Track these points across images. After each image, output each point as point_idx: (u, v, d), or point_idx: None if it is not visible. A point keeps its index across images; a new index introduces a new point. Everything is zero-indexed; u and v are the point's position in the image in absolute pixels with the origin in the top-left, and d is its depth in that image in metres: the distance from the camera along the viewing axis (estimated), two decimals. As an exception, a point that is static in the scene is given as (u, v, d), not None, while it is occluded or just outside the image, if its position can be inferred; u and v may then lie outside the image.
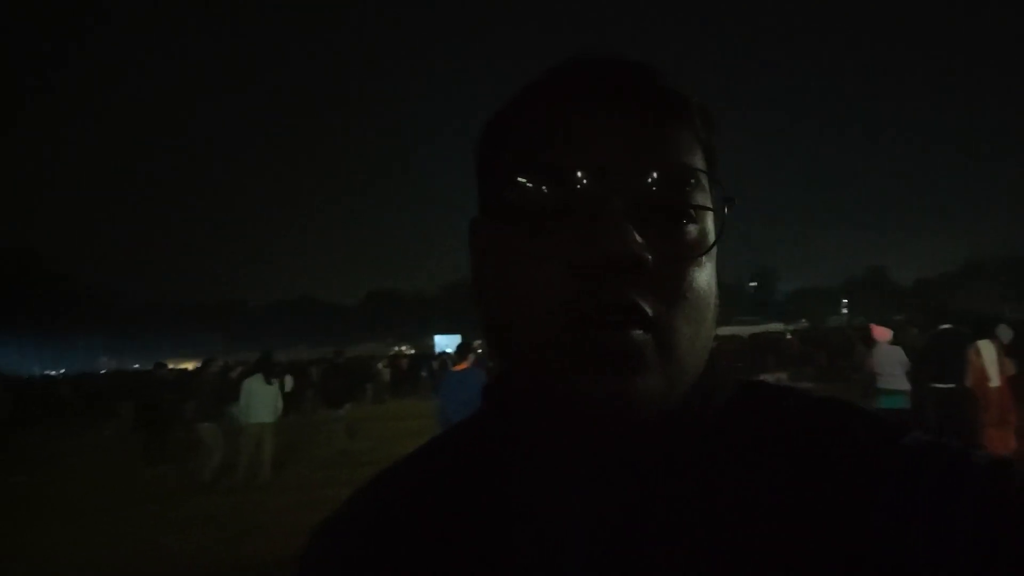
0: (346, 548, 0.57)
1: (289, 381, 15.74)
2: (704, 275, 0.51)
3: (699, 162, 0.52)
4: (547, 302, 0.47)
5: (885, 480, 0.46)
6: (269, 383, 9.95)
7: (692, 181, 0.50)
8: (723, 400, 0.55)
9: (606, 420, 0.47)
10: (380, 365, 26.78)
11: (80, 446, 15.40)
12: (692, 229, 0.50)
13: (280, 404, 10.15)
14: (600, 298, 0.46)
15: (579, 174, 0.48)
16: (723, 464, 0.50)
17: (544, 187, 0.49)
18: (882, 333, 8.48)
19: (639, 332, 0.46)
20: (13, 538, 7.40)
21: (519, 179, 0.50)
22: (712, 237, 0.51)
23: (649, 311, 0.47)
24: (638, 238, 0.46)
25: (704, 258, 0.51)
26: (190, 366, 20.93)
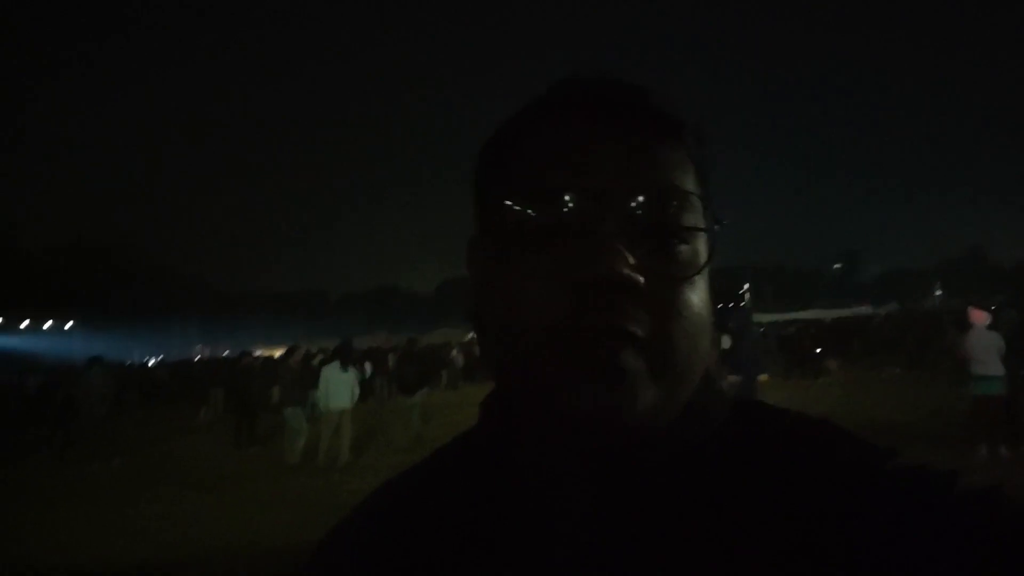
0: (353, 548, 0.60)
1: (367, 368, 16.20)
2: (696, 295, 0.51)
3: (691, 182, 0.53)
4: (540, 318, 0.48)
5: (866, 509, 0.46)
6: (346, 370, 10.28)
7: (683, 202, 0.51)
8: (715, 419, 0.55)
9: (597, 432, 0.48)
10: (454, 352, 27.10)
11: (175, 430, 16.23)
12: (683, 250, 0.51)
13: (357, 390, 10.46)
14: (592, 318, 0.47)
15: (572, 197, 0.49)
16: (711, 481, 0.51)
17: (538, 210, 0.50)
18: (979, 316, 8.03)
19: (631, 350, 0.47)
20: (110, 516, 7.91)
21: (514, 202, 0.51)
22: (704, 257, 0.52)
23: (641, 331, 0.48)
24: (630, 258, 0.47)
25: (696, 277, 0.51)
26: (277, 353, 21.80)
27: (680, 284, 0.50)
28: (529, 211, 0.51)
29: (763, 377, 10.72)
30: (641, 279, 0.47)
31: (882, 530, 0.45)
